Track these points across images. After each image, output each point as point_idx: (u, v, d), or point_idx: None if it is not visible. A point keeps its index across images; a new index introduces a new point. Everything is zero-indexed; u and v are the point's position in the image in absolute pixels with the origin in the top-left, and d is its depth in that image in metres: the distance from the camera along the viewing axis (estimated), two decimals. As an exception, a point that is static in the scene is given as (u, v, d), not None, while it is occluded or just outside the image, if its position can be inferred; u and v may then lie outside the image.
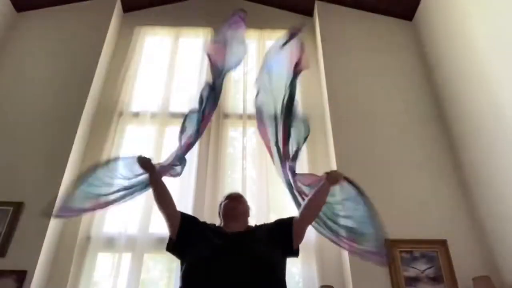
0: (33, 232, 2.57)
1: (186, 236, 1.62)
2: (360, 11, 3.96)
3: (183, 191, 2.91)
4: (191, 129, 1.85)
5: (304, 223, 1.68)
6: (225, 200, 1.80)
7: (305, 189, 1.80)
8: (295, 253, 1.65)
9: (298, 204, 1.82)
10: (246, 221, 1.76)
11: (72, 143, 2.98)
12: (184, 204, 2.80)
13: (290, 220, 1.69)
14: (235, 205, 1.74)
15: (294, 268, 2.71)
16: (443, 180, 2.98)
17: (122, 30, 3.93)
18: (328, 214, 1.74)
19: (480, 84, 2.84)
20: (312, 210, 1.69)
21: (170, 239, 1.65)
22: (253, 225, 1.79)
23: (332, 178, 1.70)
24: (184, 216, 1.70)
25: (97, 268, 2.69)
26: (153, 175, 1.70)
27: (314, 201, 1.68)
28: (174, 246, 1.62)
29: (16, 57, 3.49)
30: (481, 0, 2.88)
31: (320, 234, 1.78)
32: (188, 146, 1.84)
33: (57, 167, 2.85)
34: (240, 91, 3.56)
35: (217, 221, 1.80)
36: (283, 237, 1.63)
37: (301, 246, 1.68)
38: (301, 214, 1.69)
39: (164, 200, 1.69)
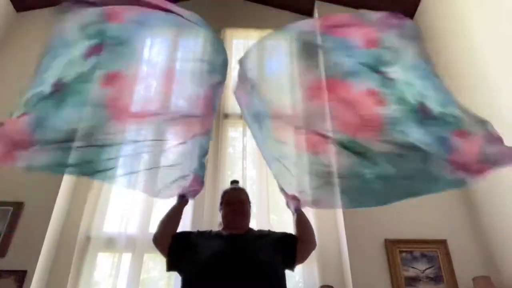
0: (33, 232, 2.57)
1: (178, 250, 1.59)
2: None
3: (182, 191, 2.90)
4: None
5: (306, 247, 1.69)
6: (228, 198, 1.78)
7: None
8: (292, 268, 1.65)
9: None
10: (248, 222, 1.76)
11: (72, 143, 2.97)
12: (184, 204, 2.80)
13: (295, 238, 1.69)
14: (239, 218, 1.72)
15: (294, 268, 2.70)
16: (443, 180, 2.98)
17: (122, 30, 3.92)
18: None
19: (480, 83, 2.84)
20: (307, 236, 1.71)
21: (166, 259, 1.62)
22: (255, 229, 1.78)
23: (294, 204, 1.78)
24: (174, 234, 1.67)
25: (97, 268, 2.69)
26: (183, 204, 1.74)
27: (304, 231, 1.71)
28: (171, 264, 1.60)
29: (16, 57, 3.48)
30: (481, 0, 2.88)
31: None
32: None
33: (57, 167, 2.85)
34: (240, 91, 3.55)
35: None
36: (286, 252, 1.62)
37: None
38: (300, 239, 1.70)
39: (173, 227, 1.69)
